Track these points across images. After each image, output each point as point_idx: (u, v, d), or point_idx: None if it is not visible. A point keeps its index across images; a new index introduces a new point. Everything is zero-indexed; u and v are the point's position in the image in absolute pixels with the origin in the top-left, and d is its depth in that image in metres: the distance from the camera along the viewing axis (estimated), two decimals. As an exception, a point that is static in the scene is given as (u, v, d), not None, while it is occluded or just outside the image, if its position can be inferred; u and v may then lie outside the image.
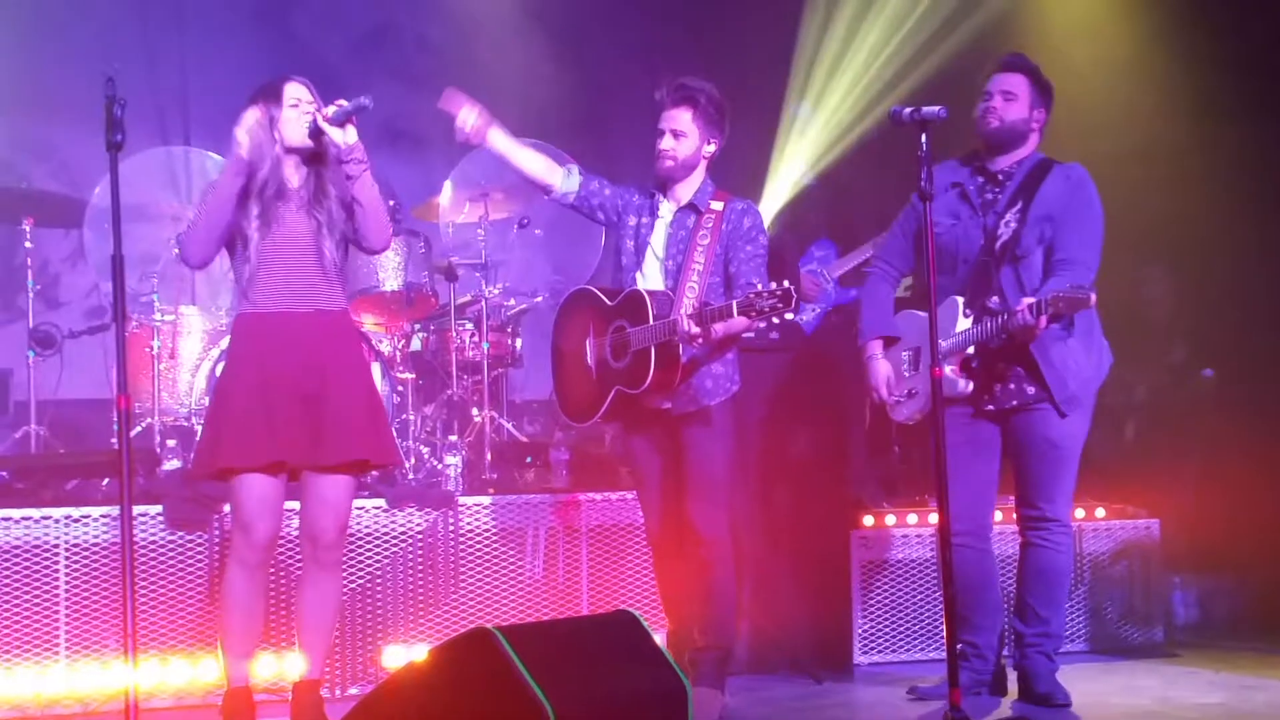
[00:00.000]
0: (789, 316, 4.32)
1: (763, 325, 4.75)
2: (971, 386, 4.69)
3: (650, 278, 4.79)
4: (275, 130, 4.36)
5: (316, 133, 4.35)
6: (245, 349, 4.38)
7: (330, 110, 4.35)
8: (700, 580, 4.75)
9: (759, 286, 4.36)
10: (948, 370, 4.64)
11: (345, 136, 4.33)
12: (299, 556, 5.24)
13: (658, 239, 4.81)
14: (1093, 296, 4.38)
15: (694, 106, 4.75)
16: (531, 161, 4.89)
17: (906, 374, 4.87)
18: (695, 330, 4.44)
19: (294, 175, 4.41)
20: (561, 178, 4.88)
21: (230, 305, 6.29)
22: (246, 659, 4.40)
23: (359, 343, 4.67)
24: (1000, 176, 4.79)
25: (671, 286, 4.71)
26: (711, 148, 4.80)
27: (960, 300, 4.69)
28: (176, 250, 4.45)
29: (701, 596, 4.76)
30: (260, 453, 4.26)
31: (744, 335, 5.07)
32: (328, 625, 4.50)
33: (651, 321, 4.59)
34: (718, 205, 4.76)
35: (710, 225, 4.71)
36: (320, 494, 4.38)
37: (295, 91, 4.39)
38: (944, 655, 4.25)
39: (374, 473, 4.94)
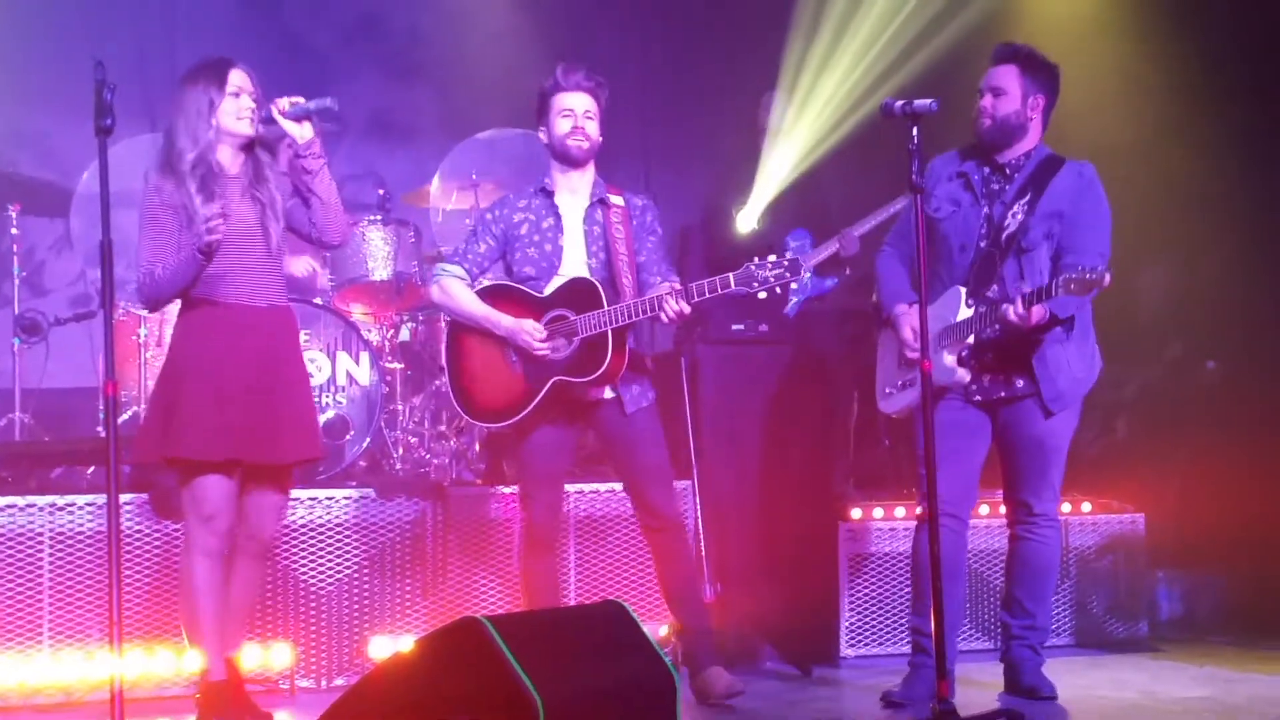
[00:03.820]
0: (794, 286, 4.37)
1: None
2: (968, 376, 4.67)
3: (574, 275, 4.76)
4: (213, 115, 4.36)
5: (268, 122, 4.38)
6: (198, 339, 4.37)
7: (285, 103, 4.36)
8: (676, 565, 4.82)
9: (758, 261, 4.40)
10: (947, 359, 4.64)
11: (302, 132, 4.36)
12: (284, 547, 5.27)
13: (574, 238, 4.78)
14: (1106, 276, 4.30)
15: (597, 97, 4.79)
16: (476, 305, 4.81)
17: (903, 364, 4.82)
18: (687, 309, 4.48)
19: (232, 162, 4.43)
20: (468, 286, 4.83)
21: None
22: (223, 648, 4.40)
23: (298, 339, 4.69)
24: (1008, 169, 4.76)
25: (605, 279, 4.70)
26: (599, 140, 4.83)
27: (963, 290, 4.66)
28: (135, 289, 4.47)
29: (680, 581, 4.83)
30: (219, 448, 4.29)
31: (734, 328, 5.08)
32: (250, 611, 4.64)
33: (606, 307, 4.59)
34: (618, 200, 4.81)
35: (619, 219, 4.76)
36: (267, 492, 4.45)
37: (238, 80, 4.40)
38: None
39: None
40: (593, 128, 4.77)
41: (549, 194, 4.83)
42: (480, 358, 4.80)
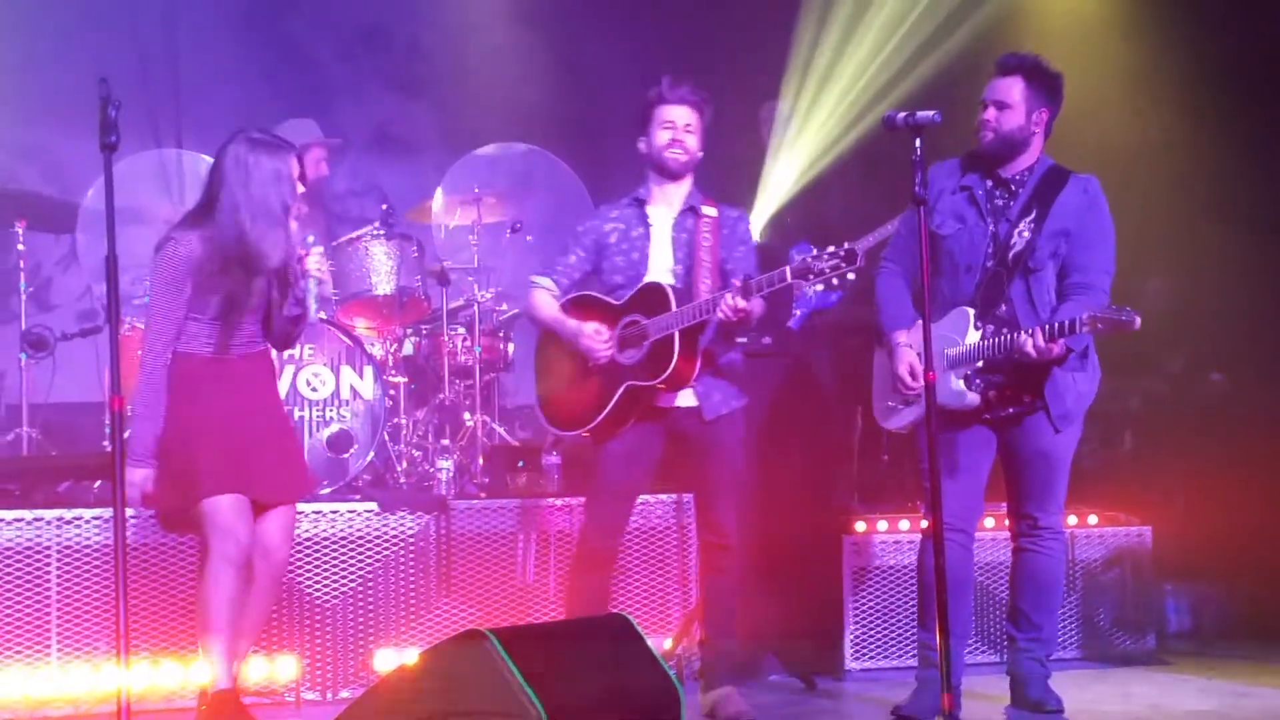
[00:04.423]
0: (850, 277, 4.36)
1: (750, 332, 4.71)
2: (978, 399, 4.64)
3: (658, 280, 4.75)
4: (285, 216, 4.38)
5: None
6: (198, 388, 4.39)
7: (314, 265, 4.44)
8: (723, 583, 4.80)
9: (814, 252, 4.36)
10: (955, 383, 4.62)
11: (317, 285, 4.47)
12: (290, 561, 5.27)
13: (661, 246, 4.78)
14: (1137, 320, 4.28)
15: (700, 111, 4.78)
16: (551, 314, 4.83)
17: (910, 380, 4.79)
18: (743, 304, 4.43)
19: None
20: (555, 300, 4.83)
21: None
22: (234, 659, 4.40)
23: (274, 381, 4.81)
24: (1013, 185, 4.72)
25: (684, 285, 4.68)
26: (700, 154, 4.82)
27: (971, 312, 4.62)
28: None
29: (721, 598, 4.81)
30: (233, 484, 4.34)
31: (737, 340, 5.06)
32: (257, 630, 4.64)
33: (675, 309, 4.56)
34: (712, 211, 4.78)
35: (709, 229, 4.74)
36: (280, 522, 4.49)
37: (297, 170, 4.45)
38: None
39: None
40: (692, 141, 4.77)
41: (642, 203, 4.83)
42: (562, 366, 4.82)
